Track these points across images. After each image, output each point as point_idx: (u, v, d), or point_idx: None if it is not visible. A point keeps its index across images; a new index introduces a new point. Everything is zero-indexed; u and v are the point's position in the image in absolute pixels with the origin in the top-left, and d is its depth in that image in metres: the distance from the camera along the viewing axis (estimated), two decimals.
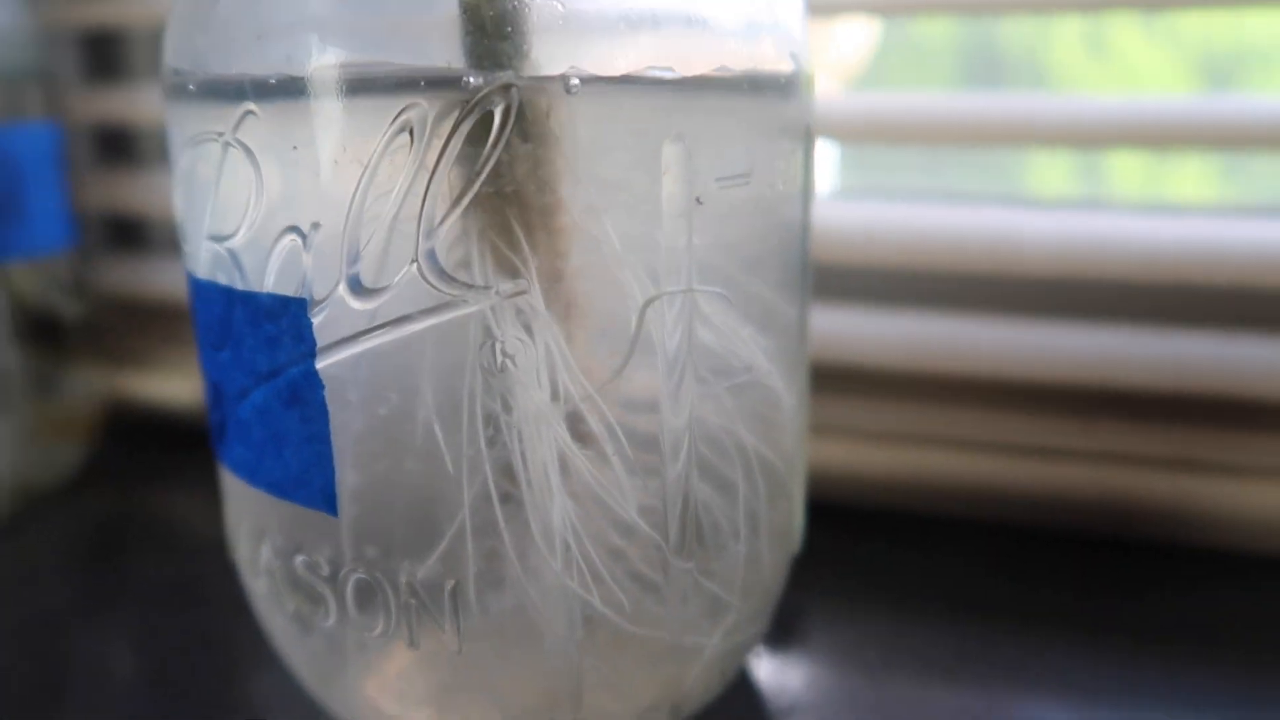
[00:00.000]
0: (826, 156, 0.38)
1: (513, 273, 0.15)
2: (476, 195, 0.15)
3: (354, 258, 0.15)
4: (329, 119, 0.15)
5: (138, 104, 0.36)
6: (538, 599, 0.17)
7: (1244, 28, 0.35)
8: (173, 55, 0.18)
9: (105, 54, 0.39)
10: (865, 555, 0.28)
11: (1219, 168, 0.38)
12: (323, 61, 0.15)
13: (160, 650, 0.25)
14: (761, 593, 0.20)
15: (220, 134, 0.16)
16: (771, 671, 0.23)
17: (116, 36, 0.39)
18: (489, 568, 0.17)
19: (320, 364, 0.16)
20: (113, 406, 0.37)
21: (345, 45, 0.15)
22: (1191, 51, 0.37)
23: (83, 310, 0.35)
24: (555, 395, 0.16)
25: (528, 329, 0.16)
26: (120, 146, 0.40)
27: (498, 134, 0.15)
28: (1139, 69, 0.37)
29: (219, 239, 0.17)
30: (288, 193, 0.16)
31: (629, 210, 0.16)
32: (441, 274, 0.15)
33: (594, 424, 0.16)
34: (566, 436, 0.16)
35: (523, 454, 0.16)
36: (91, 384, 0.35)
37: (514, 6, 0.15)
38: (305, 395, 0.16)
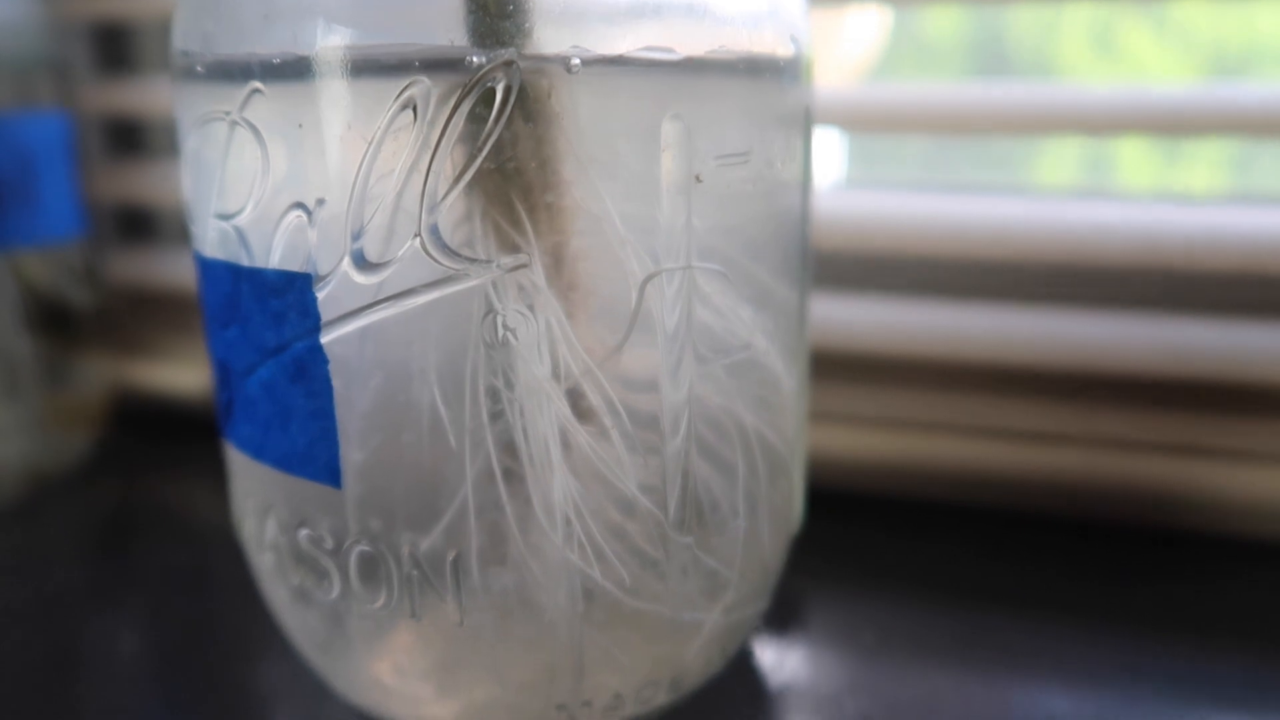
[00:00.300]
0: (835, 148, 0.38)
1: (514, 248, 0.16)
2: (478, 172, 0.15)
3: (358, 233, 0.16)
4: (334, 97, 0.15)
5: (148, 95, 0.36)
6: (539, 573, 0.17)
7: (1253, 25, 0.35)
8: (181, 37, 0.18)
9: (116, 45, 0.40)
10: (864, 540, 0.28)
11: (1229, 160, 0.38)
12: (328, 42, 0.15)
13: (169, 634, 0.25)
14: (761, 570, 0.20)
15: (227, 113, 0.17)
16: (770, 653, 0.23)
17: (127, 27, 0.40)
18: (491, 542, 0.17)
19: (325, 338, 0.16)
20: (122, 395, 0.37)
21: (350, 26, 0.15)
22: (1201, 49, 0.36)
23: (93, 299, 0.35)
24: (556, 370, 0.16)
25: (529, 304, 0.16)
26: (131, 137, 0.41)
27: (499, 111, 0.15)
28: (1148, 67, 0.37)
29: (226, 217, 0.17)
30: (293, 170, 0.16)
31: (629, 187, 0.16)
32: (444, 248, 0.16)
33: (595, 400, 0.17)
34: (568, 412, 0.16)
35: (524, 429, 0.16)
36: (101, 372, 0.36)
37: None
38: (311, 370, 0.17)
